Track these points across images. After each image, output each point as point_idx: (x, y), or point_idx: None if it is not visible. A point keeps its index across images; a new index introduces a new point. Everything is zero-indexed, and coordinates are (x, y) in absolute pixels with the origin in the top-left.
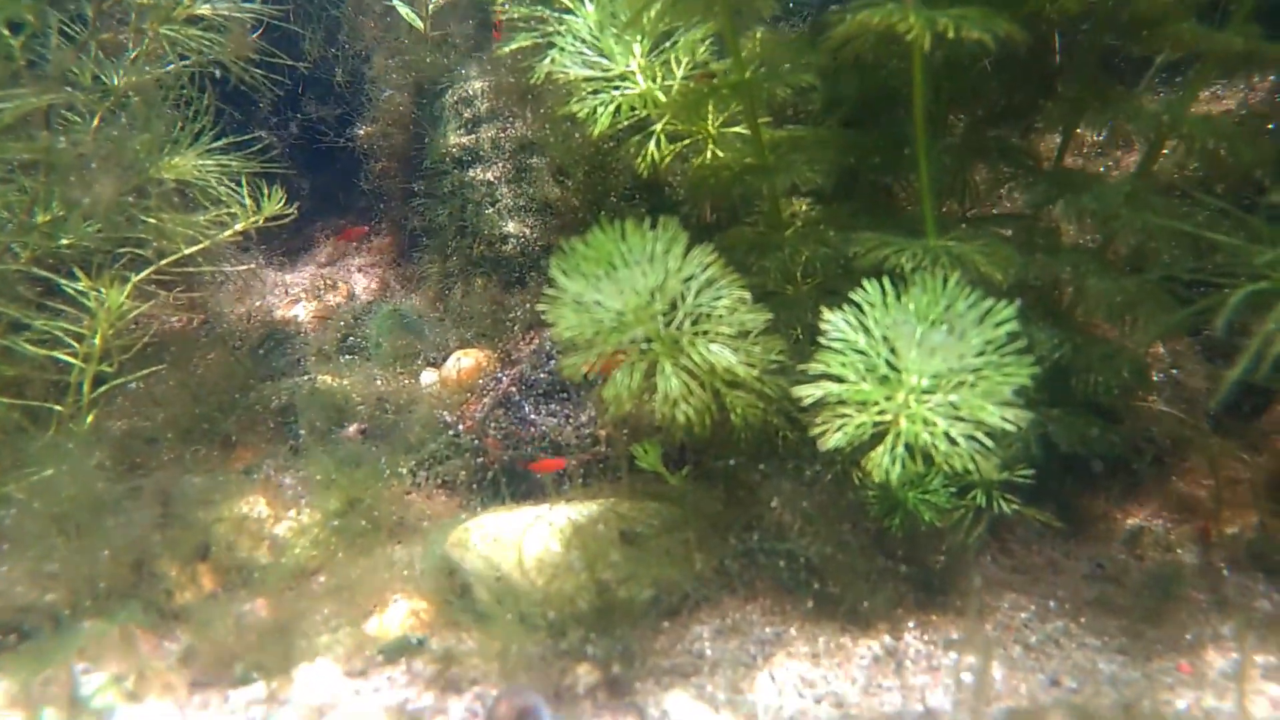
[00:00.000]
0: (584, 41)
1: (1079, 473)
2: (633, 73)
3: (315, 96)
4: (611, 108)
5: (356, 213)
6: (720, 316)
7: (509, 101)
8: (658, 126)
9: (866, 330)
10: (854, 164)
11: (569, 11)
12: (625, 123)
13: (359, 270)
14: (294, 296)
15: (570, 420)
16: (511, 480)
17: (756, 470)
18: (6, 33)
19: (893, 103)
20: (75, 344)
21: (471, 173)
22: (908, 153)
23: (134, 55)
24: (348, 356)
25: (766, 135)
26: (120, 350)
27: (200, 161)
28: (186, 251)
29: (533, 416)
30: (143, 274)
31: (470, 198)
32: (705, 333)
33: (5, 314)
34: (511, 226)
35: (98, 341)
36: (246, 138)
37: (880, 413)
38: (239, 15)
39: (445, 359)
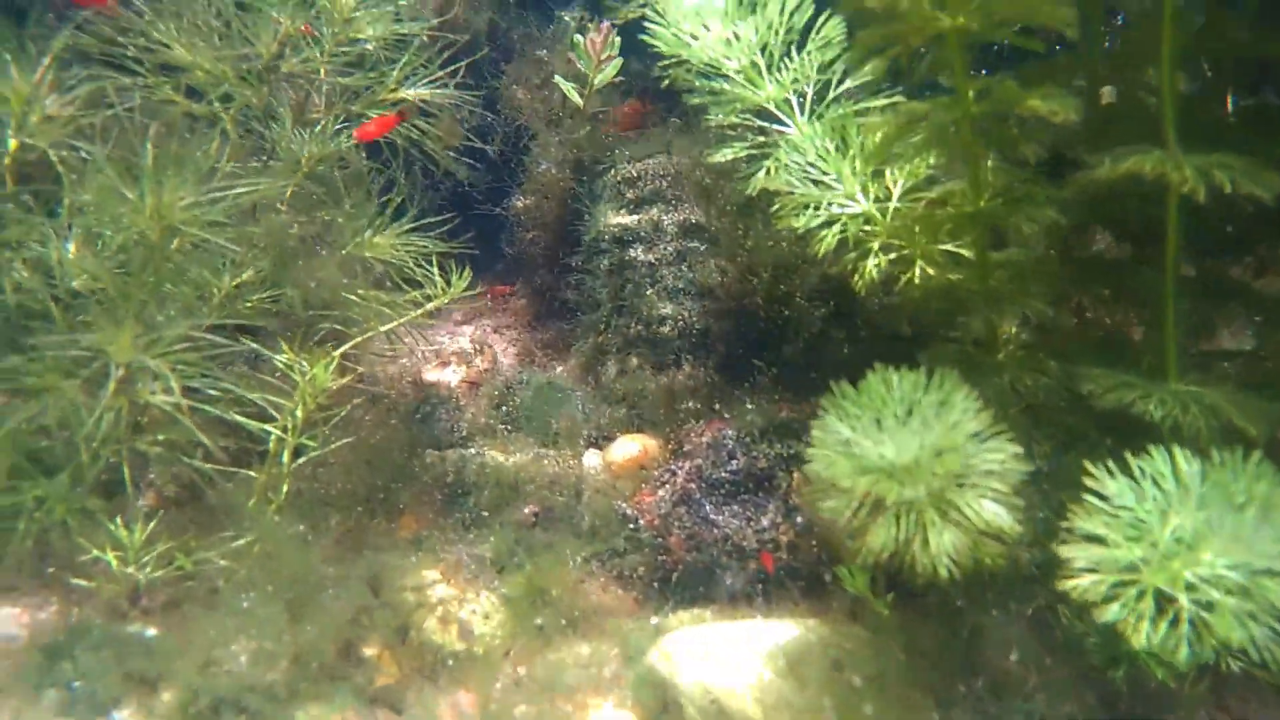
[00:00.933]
0: (806, 159)
1: None
2: (854, 192)
3: (467, 163)
4: (837, 228)
5: (494, 274)
6: (991, 471)
7: (687, 193)
8: (875, 244)
9: (1143, 493)
10: (1075, 294)
11: (778, 121)
12: (834, 235)
13: (495, 330)
14: (443, 359)
15: (751, 523)
16: (695, 581)
17: (974, 605)
18: (219, 106)
19: (1123, 232)
20: (275, 413)
21: (631, 252)
22: (1140, 287)
23: (321, 126)
24: (503, 427)
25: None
26: (323, 422)
27: (396, 240)
28: (383, 329)
29: (714, 516)
30: (344, 348)
31: (630, 277)
32: (974, 485)
33: (216, 384)
34: (670, 309)
35: (300, 414)
36: (441, 219)
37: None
38: (439, 99)
39: (608, 440)
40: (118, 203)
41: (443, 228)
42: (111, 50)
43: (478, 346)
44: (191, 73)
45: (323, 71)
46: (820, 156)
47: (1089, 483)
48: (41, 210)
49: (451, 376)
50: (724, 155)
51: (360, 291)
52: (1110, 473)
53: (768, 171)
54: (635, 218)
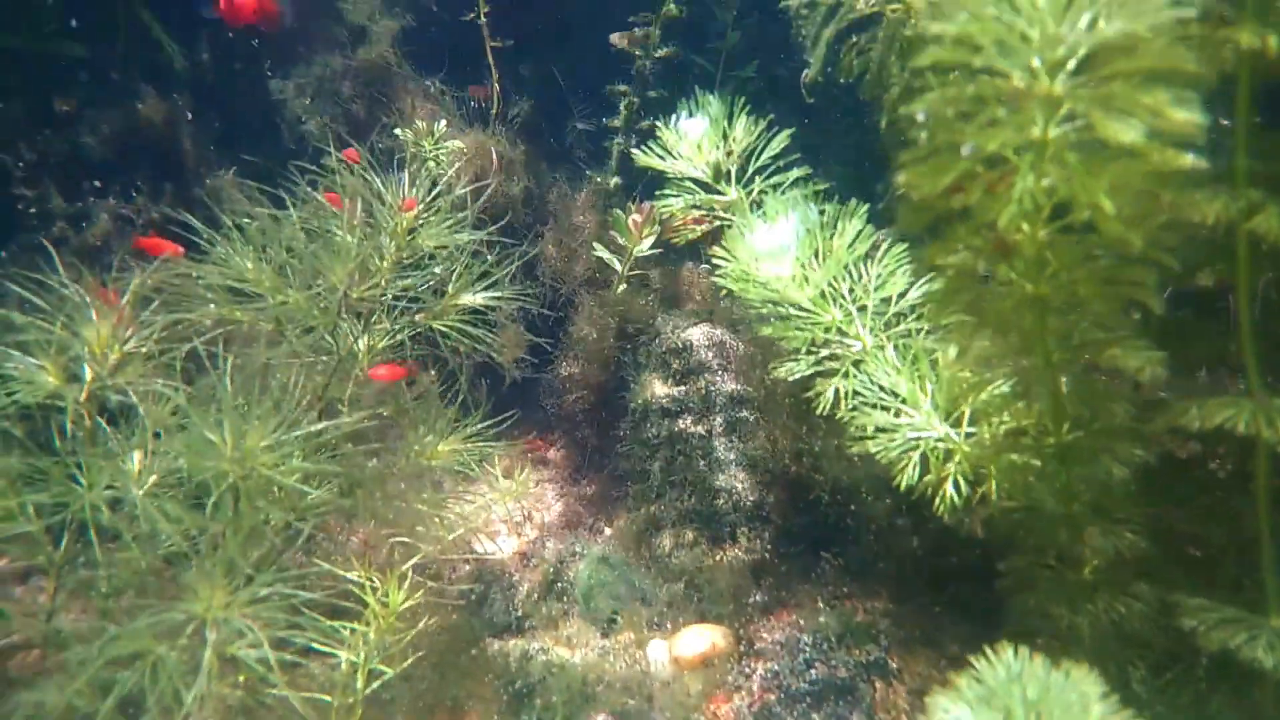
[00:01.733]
0: (879, 386)
1: None
2: (930, 421)
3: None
4: (916, 456)
5: (531, 422)
6: None
7: (733, 362)
8: (952, 467)
9: None
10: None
11: (844, 334)
12: (914, 466)
13: (536, 484)
14: (491, 530)
15: None
16: None
17: None
18: (294, 336)
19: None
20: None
21: (681, 424)
22: (1228, 511)
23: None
24: (560, 609)
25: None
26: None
27: (459, 445)
28: (450, 537)
29: None
30: (413, 560)
31: (680, 449)
32: None
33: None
34: (723, 481)
35: (373, 636)
36: (501, 420)
37: None
38: (498, 303)
39: (672, 625)
40: (202, 449)
41: (502, 424)
42: (185, 287)
43: (526, 514)
44: (269, 305)
45: (383, 281)
46: (892, 375)
47: None
48: (123, 449)
49: (501, 545)
50: (789, 372)
51: (425, 495)
52: None
53: (836, 390)
54: (682, 389)
